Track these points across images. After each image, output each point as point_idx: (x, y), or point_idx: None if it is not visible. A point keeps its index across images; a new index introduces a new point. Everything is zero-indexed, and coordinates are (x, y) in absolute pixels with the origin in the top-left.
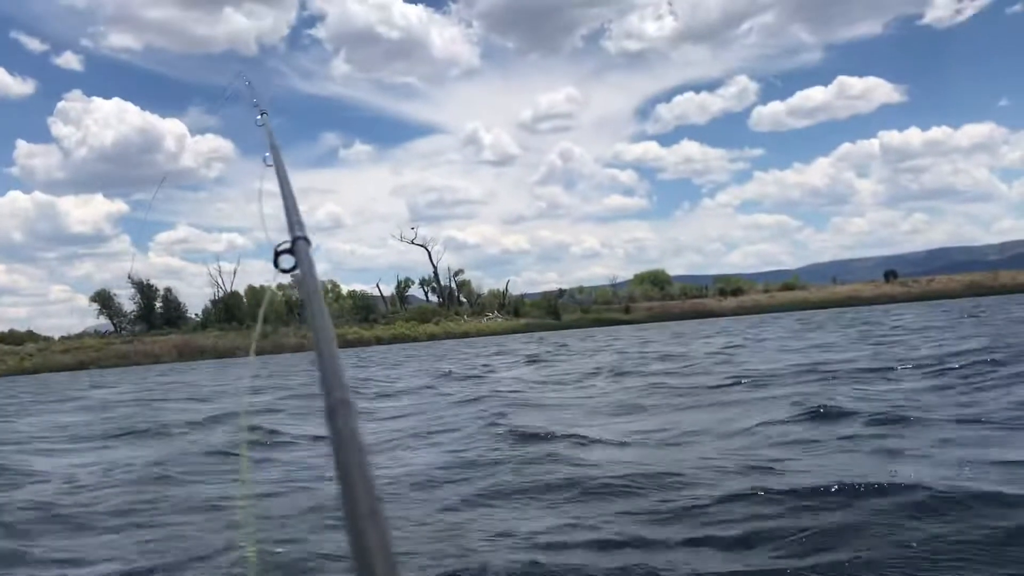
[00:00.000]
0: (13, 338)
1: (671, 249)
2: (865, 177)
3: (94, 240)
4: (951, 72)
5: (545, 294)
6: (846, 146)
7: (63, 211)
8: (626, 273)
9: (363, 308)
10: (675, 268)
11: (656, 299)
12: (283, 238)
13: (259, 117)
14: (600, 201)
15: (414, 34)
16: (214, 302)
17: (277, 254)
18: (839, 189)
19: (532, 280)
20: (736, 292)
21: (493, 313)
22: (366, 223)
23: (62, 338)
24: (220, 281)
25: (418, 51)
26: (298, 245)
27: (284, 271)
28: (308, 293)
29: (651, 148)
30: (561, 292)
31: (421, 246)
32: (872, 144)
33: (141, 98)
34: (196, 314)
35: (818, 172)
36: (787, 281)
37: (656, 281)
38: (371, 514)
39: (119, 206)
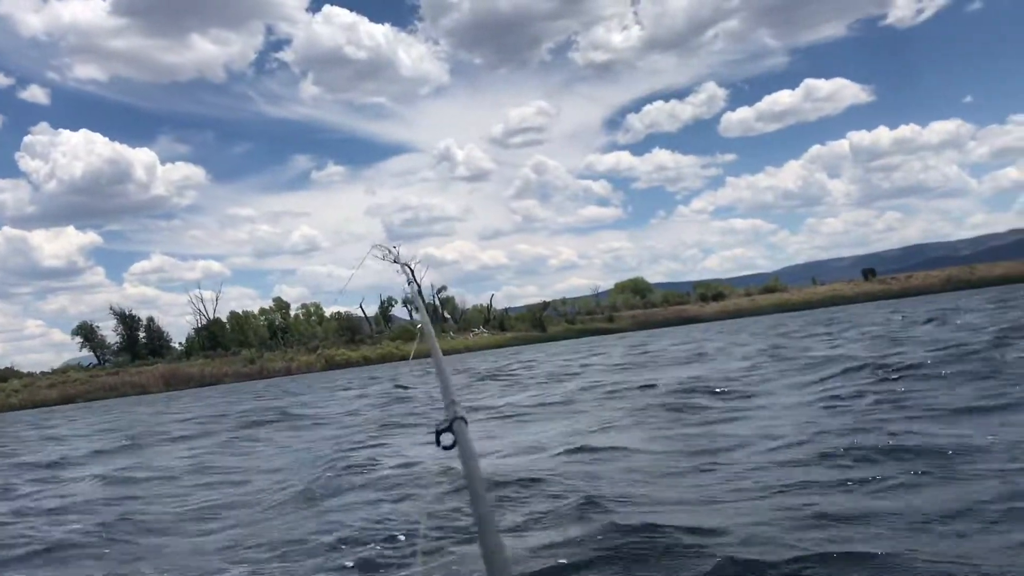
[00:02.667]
0: None
1: (648, 257)
2: (837, 178)
3: (67, 273)
4: (916, 71)
5: (529, 307)
6: (816, 148)
7: (35, 245)
8: (606, 283)
9: (348, 329)
10: (653, 276)
11: (639, 307)
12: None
13: (407, 287)
14: (576, 212)
15: (382, 54)
16: (198, 330)
17: (438, 433)
18: (812, 191)
19: (511, 294)
20: (717, 297)
21: (479, 328)
22: (342, 244)
23: (43, 373)
24: (203, 308)
25: (387, 70)
26: (456, 425)
27: (446, 448)
28: (468, 467)
29: (623, 158)
30: (545, 305)
31: (404, 264)
32: (842, 145)
33: (109, 129)
34: (180, 343)
35: (790, 175)
36: (767, 283)
37: (637, 289)
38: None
39: (91, 238)
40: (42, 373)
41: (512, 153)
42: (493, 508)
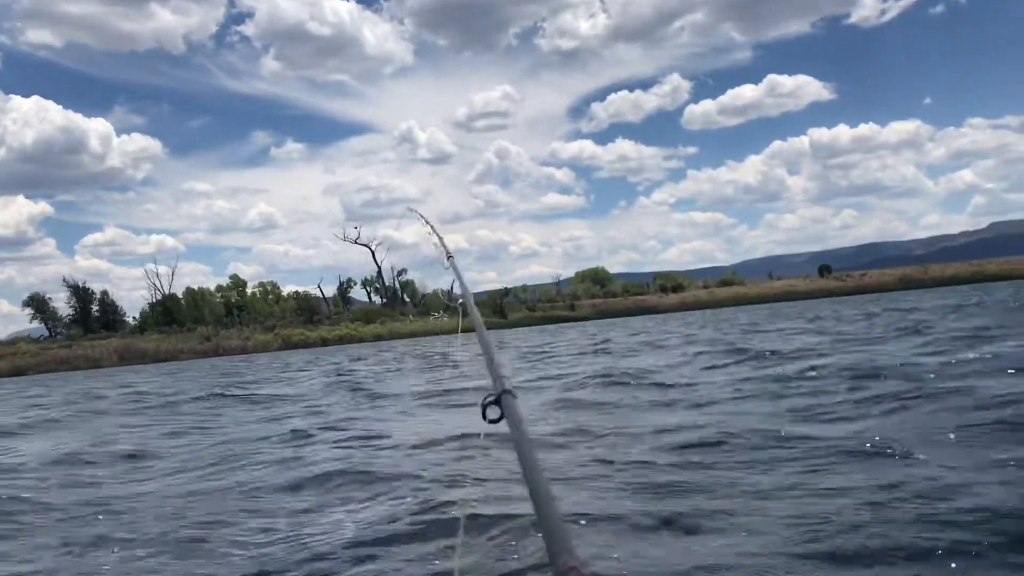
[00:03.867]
0: None
1: (609, 247)
2: (796, 174)
3: (16, 244)
4: (878, 70)
5: (490, 293)
6: (777, 143)
7: None
8: (566, 271)
9: (305, 310)
10: (613, 266)
11: (599, 296)
12: None
13: (446, 261)
14: (537, 200)
15: (345, 31)
16: (152, 305)
17: (484, 406)
18: (771, 186)
19: (471, 280)
20: (677, 288)
21: (439, 313)
22: (300, 223)
23: None
24: (158, 283)
25: (350, 48)
26: (504, 398)
27: (492, 422)
28: (519, 440)
29: (587, 146)
30: (506, 291)
31: (365, 245)
32: (802, 141)
33: (63, 96)
34: (134, 317)
35: (750, 170)
36: (724, 276)
37: (597, 279)
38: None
39: (42, 207)
40: None
41: (475, 137)
42: (549, 480)
